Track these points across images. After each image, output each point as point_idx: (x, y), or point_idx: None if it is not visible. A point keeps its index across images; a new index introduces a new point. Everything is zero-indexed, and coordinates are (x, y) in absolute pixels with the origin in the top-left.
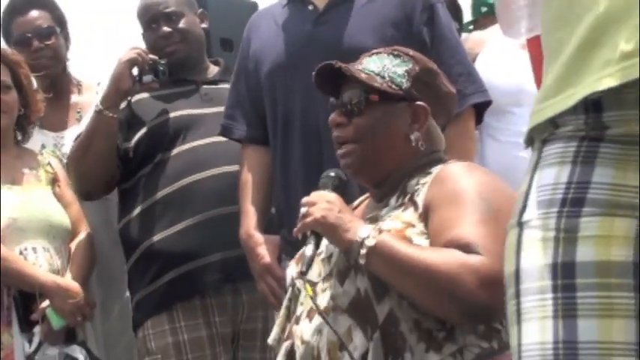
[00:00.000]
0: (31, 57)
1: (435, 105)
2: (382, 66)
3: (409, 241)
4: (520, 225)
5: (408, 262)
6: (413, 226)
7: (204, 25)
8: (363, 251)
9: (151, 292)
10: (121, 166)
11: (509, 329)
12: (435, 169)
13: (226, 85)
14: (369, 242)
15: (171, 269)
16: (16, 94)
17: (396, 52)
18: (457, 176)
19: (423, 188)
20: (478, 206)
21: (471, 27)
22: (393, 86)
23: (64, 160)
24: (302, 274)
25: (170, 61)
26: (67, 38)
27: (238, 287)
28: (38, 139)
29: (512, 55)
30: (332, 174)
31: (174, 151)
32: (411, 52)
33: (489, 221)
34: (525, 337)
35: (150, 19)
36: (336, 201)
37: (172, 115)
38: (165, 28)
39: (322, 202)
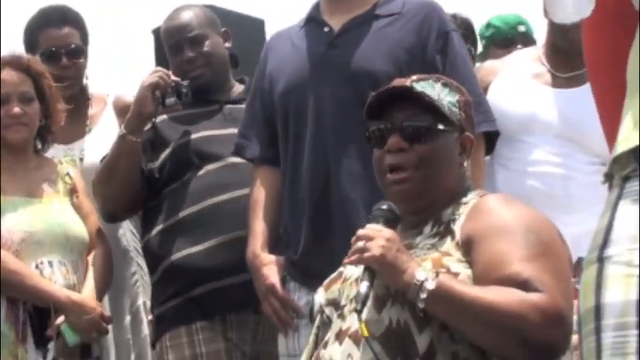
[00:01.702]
0: (57, 72)
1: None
2: (437, 94)
3: (447, 269)
4: (601, 260)
5: (471, 304)
6: (450, 254)
7: (227, 44)
8: (423, 295)
9: (171, 307)
10: (146, 187)
11: None
12: (469, 200)
13: None
14: (429, 285)
15: (195, 287)
16: (38, 105)
17: (443, 81)
18: (498, 209)
19: (459, 218)
20: (528, 240)
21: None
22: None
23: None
24: (357, 312)
25: (195, 84)
26: (87, 56)
27: (260, 309)
28: (49, 152)
29: (524, 84)
30: (384, 207)
31: (200, 172)
32: (454, 82)
33: (542, 255)
34: None
35: (174, 44)
36: (394, 239)
37: (195, 136)
38: (190, 54)
39: (380, 239)
